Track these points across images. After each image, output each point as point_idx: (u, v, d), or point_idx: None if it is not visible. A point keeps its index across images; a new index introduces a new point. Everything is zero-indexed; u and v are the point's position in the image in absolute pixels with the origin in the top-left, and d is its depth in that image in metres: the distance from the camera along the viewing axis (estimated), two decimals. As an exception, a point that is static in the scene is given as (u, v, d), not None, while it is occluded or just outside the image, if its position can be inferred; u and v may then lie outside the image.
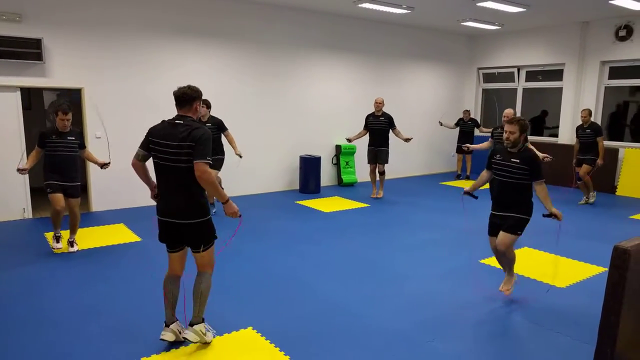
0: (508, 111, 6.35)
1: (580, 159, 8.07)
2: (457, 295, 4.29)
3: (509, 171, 3.88)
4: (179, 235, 3.21)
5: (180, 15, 7.58)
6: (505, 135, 3.88)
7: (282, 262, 5.09)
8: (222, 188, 3.44)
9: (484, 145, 6.73)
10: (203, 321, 3.31)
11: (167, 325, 3.33)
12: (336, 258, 5.30)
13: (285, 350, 3.29)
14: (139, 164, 3.27)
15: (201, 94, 3.23)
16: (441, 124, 10.88)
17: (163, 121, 3.23)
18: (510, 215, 3.94)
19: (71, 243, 5.33)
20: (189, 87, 3.19)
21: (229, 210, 3.21)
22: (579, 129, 8.05)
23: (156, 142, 3.13)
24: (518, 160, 3.83)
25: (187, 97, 3.15)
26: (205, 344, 3.31)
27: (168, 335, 3.29)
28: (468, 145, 7.39)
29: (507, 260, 4.11)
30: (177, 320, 3.41)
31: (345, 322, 3.75)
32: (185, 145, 3.02)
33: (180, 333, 3.34)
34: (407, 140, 8.05)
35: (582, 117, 7.91)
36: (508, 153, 3.91)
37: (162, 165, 3.13)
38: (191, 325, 3.26)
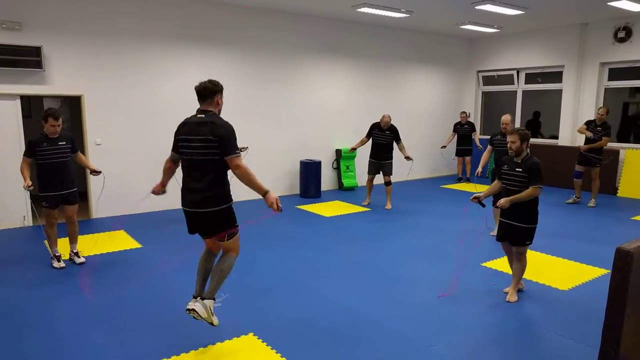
0: (505, 117, 6.16)
1: (584, 155, 8.03)
2: (458, 299, 4.27)
3: (515, 180, 4.07)
4: (202, 223, 3.28)
5: (179, 24, 7.59)
6: (508, 146, 4.10)
7: (283, 267, 5.07)
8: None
9: (486, 156, 6.41)
10: (214, 299, 3.35)
11: (195, 297, 3.36)
12: (337, 262, 5.28)
13: (287, 356, 3.27)
14: (172, 167, 3.44)
15: (222, 88, 3.29)
16: (444, 147, 10.84)
17: (186, 119, 3.30)
18: (518, 225, 4.10)
19: (76, 254, 5.19)
20: (210, 80, 3.27)
21: (269, 201, 3.22)
22: (591, 123, 8.00)
23: (181, 139, 3.25)
24: (521, 169, 4.03)
25: (208, 91, 3.23)
26: (210, 324, 3.33)
27: (195, 305, 3.33)
28: (479, 171, 6.31)
29: (518, 267, 4.24)
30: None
31: (346, 326, 3.73)
32: (205, 139, 3.11)
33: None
34: (407, 158, 7.76)
35: (599, 114, 7.82)
36: (514, 163, 4.10)
37: (187, 160, 3.25)
38: (202, 298, 3.30)
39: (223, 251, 3.43)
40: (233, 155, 3.12)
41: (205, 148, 3.12)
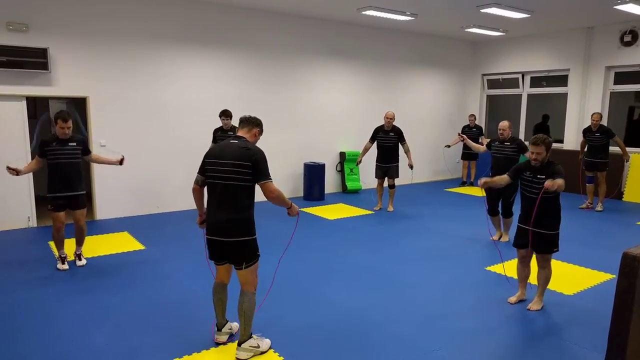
0: (503, 124, 6.01)
1: (589, 162, 8.01)
2: (462, 304, 4.25)
3: (537, 187, 3.95)
4: (224, 252, 3.27)
5: (185, 26, 7.62)
6: (532, 157, 3.97)
7: (286, 270, 5.05)
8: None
9: (480, 148, 6.74)
10: (251, 336, 3.33)
11: (219, 329, 3.49)
12: (341, 266, 5.26)
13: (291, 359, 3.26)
14: (198, 189, 3.37)
15: (263, 128, 3.42)
16: (449, 147, 10.71)
17: (219, 143, 3.36)
18: (545, 232, 4.00)
19: (78, 256, 5.20)
20: (255, 117, 3.41)
21: (293, 212, 3.42)
22: (587, 132, 8.01)
23: (209, 162, 3.24)
24: (544, 176, 3.93)
25: (252, 121, 3.36)
26: (263, 353, 3.32)
27: (222, 338, 3.49)
28: (462, 136, 7.27)
29: (543, 276, 4.14)
30: (227, 321, 3.56)
31: (350, 329, 3.71)
32: (239, 164, 3.12)
33: (231, 330, 3.56)
34: (409, 166, 7.81)
35: (593, 120, 7.84)
36: (535, 169, 4.01)
37: (213, 184, 3.21)
38: (239, 344, 3.29)
39: (241, 284, 3.32)
40: (267, 180, 3.17)
41: (237, 173, 3.12)
